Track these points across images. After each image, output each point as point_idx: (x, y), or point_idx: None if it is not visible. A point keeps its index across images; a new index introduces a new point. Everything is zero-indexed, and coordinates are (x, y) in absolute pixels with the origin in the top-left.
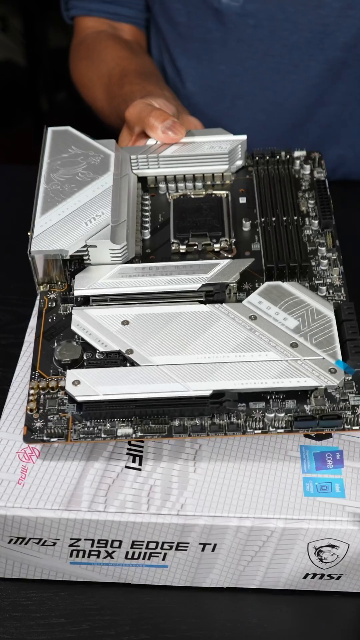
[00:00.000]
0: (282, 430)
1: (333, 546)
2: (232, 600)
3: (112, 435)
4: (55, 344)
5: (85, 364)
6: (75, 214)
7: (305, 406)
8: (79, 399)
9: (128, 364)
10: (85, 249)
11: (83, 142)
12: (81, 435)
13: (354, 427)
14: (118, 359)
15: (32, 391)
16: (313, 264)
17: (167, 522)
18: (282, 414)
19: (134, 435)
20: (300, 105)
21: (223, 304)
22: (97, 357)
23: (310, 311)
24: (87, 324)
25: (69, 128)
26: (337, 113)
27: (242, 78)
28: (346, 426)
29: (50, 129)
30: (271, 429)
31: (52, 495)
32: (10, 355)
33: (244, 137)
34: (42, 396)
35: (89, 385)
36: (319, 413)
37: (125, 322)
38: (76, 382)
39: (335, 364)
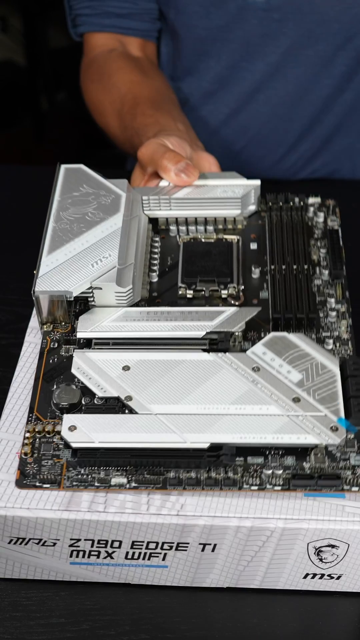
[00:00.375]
0: (279, 488)
1: (333, 546)
2: (232, 600)
3: (106, 484)
4: (55, 387)
5: (83, 408)
6: (82, 255)
7: (304, 463)
8: (74, 445)
9: (126, 411)
10: (90, 290)
11: (95, 180)
12: (74, 483)
13: (353, 489)
14: (117, 405)
15: (27, 434)
16: (321, 315)
17: (167, 522)
18: (280, 471)
19: (127, 486)
20: (321, 96)
21: (226, 354)
22: (95, 402)
23: (314, 365)
24: (87, 367)
25: (82, 166)
26: (352, 101)
27: (263, 74)
28: (345, 487)
29: (63, 167)
30: (268, 486)
31: (52, 496)
32: (10, 355)
33: (257, 182)
34: (37, 440)
35: (85, 431)
36: (318, 472)
37: (126, 368)
38: (72, 428)
39: (337, 422)
